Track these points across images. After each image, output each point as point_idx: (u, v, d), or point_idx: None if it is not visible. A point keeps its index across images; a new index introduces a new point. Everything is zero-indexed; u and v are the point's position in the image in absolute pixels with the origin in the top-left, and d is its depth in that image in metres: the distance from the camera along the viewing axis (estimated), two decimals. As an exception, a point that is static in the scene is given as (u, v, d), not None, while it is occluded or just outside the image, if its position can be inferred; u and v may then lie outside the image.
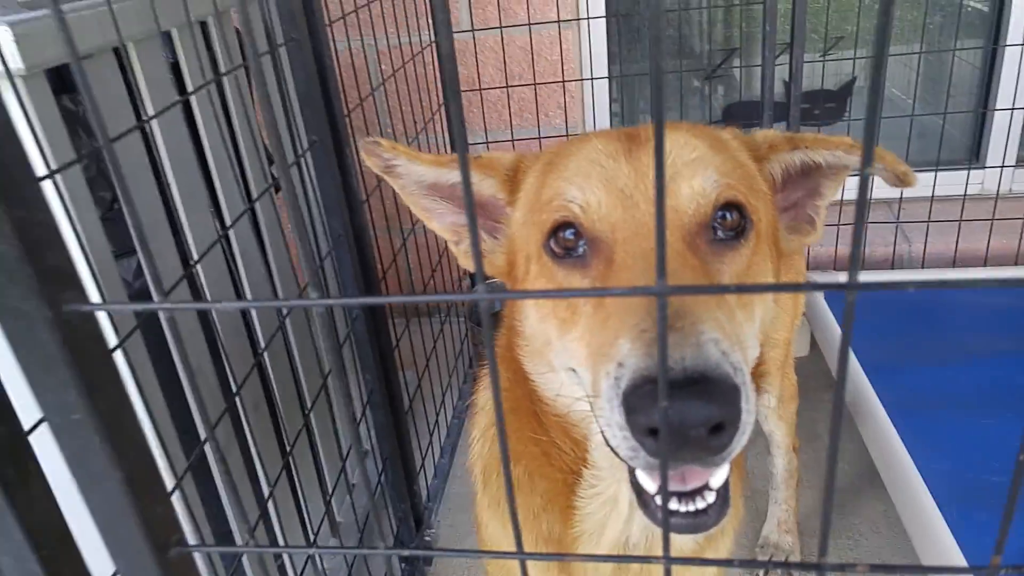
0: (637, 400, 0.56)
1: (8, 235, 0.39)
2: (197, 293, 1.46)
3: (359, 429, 2.23)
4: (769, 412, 1.69)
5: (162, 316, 0.40)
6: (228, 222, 1.49)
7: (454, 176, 0.87)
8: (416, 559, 2.05)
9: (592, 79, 2.64)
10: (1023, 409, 1.71)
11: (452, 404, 2.58)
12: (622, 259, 0.70)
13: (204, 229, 1.39)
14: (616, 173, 0.75)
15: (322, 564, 1.95)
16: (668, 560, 0.44)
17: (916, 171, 2.55)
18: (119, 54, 1.19)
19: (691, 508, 0.67)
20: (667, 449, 0.54)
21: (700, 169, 0.75)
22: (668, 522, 0.65)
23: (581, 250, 0.76)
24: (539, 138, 2.65)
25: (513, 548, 0.97)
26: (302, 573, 1.75)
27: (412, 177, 0.87)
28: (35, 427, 0.48)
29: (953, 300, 2.18)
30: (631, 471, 0.71)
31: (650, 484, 0.69)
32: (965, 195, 2.35)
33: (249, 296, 1.67)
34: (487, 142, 2.72)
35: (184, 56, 1.35)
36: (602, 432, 0.65)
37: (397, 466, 2.00)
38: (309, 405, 1.79)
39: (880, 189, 2.44)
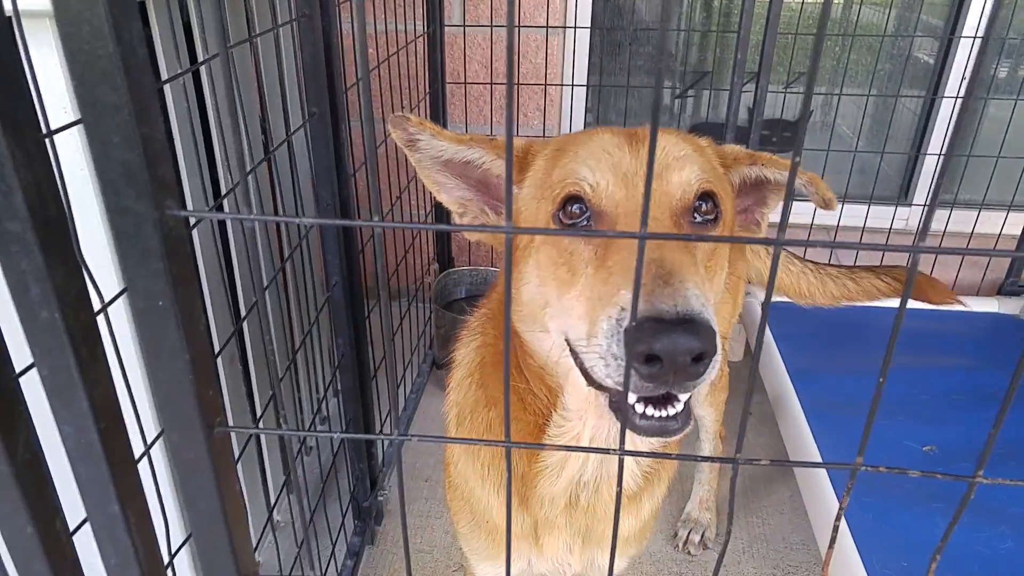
0: (640, 332, 0.69)
1: (136, 146, 0.44)
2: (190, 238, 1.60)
3: (328, 392, 2.38)
4: (702, 398, 1.90)
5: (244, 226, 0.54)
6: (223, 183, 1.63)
7: (469, 153, 0.98)
8: (367, 517, 2.21)
9: (572, 85, 2.83)
10: (915, 414, 1.96)
11: (411, 380, 2.74)
12: (622, 230, 0.86)
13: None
14: (621, 160, 0.89)
15: (271, 517, 2.10)
16: (623, 452, 0.62)
17: (853, 203, 2.84)
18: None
19: (664, 413, 0.80)
20: (653, 343, 0.68)
21: (687, 164, 0.91)
22: (632, 420, 0.81)
23: (586, 222, 0.89)
24: (517, 136, 2.82)
25: (481, 485, 1.13)
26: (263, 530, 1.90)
27: (431, 152, 0.97)
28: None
29: (873, 320, 2.43)
30: (610, 398, 0.86)
31: (638, 404, 0.82)
32: (891, 228, 2.61)
33: (235, 258, 1.81)
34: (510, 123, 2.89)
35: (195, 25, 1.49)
36: (588, 369, 0.80)
37: (359, 428, 2.15)
38: (289, 359, 1.93)
39: (821, 216, 2.69)
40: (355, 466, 2.21)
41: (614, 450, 0.59)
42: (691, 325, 0.69)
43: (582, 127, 2.94)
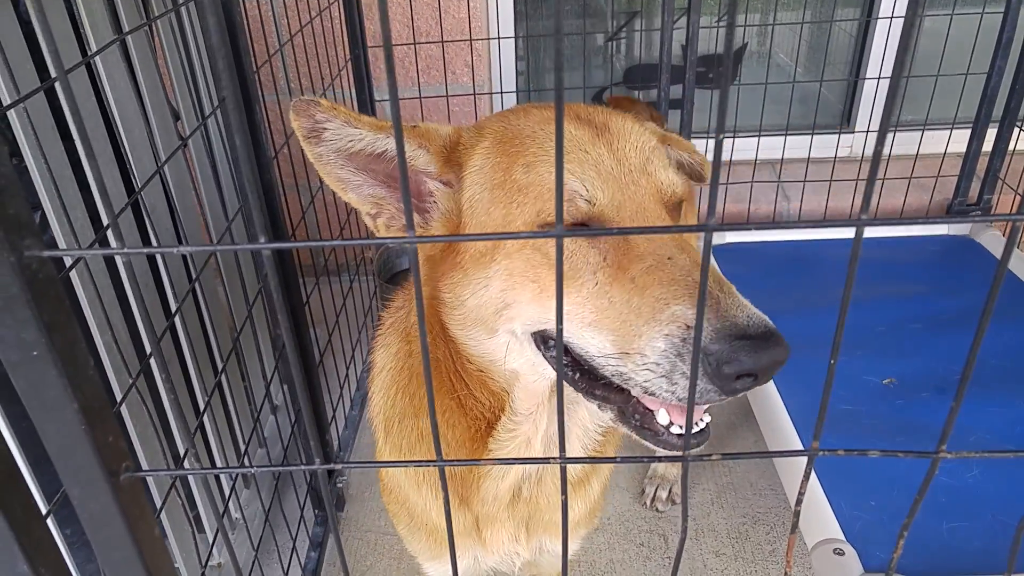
0: (735, 352, 0.68)
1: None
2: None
3: (271, 383, 2.28)
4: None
5: (119, 260, 0.46)
6: (136, 179, 1.49)
7: (385, 144, 0.85)
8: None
9: (499, 38, 2.70)
10: (873, 347, 1.94)
11: (361, 358, 2.65)
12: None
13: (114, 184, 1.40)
14: (600, 159, 0.83)
15: (242, 513, 2.02)
16: (564, 460, 0.54)
17: (795, 134, 2.75)
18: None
19: (697, 429, 0.83)
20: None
21: (662, 157, 0.87)
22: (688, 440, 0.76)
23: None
24: (447, 96, 2.70)
25: (416, 491, 1.06)
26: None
27: (338, 144, 0.84)
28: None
29: (825, 254, 2.40)
30: (622, 412, 0.85)
31: (664, 418, 0.82)
32: (836, 157, 2.57)
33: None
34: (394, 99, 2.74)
35: (86, 14, 1.34)
36: (625, 382, 0.78)
37: (310, 416, 2.06)
38: (222, 361, 1.83)
39: (765, 150, 2.63)
40: (310, 457, 2.14)
41: (555, 459, 0.54)
42: (775, 336, 0.70)
43: (513, 81, 2.82)
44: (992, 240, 2.34)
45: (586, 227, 0.82)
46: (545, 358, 0.87)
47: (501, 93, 2.80)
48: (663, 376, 0.74)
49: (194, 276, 1.70)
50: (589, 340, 0.80)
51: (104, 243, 1.36)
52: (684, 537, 0.58)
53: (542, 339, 0.86)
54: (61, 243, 1.24)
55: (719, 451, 2.21)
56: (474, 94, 2.72)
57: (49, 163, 1.19)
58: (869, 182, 0.43)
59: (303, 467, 0.58)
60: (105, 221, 1.34)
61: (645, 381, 0.75)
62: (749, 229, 0.46)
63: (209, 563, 1.93)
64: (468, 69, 2.72)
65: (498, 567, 1.18)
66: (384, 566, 2.00)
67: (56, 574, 0.55)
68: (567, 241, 0.80)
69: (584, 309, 0.79)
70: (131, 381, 1.26)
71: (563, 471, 0.56)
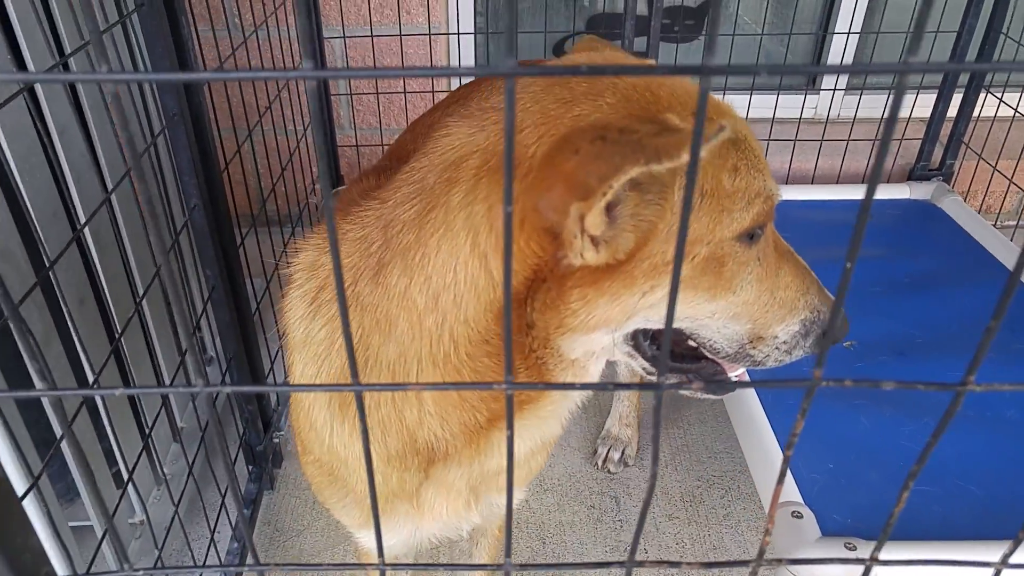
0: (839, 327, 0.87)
1: None
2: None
3: (200, 328, 2.13)
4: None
5: None
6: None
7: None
8: (263, 461, 2.01)
9: (456, -24, 2.54)
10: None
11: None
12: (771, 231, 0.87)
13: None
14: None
15: (162, 471, 1.88)
16: (511, 387, 0.44)
17: (760, 94, 2.67)
18: None
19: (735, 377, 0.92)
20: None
21: None
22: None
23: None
24: (400, 35, 2.54)
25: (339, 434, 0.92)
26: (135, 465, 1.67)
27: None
28: None
29: (787, 214, 2.34)
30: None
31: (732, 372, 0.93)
32: (800, 118, 2.50)
33: (71, 180, 1.52)
34: (344, 37, 2.57)
35: None
36: (738, 357, 0.87)
37: (243, 367, 1.93)
38: (140, 296, 1.67)
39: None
40: (243, 408, 2.00)
41: (498, 384, 0.43)
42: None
43: (471, 21, 2.67)
44: (953, 205, 2.31)
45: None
46: (638, 350, 0.85)
47: (459, 34, 2.65)
48: (786, 352, 0.88)
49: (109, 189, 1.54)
50: (724, 330, 0.84)
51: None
52: (653, 483, 0.49)
53: (643, 334, 0.85)
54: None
55: (675, 415, 2.15)
56: (429, 34, 2.56)
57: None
58: (883, 143, 0.33)
59: (217, 388, 0.45)
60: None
61: (766, 357, 0.87)
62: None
63: (129, 520, 1.80)
64: (424, 8, 2.56)
65: (442, 533, 1.06)
66: (321, 526, 1.90)
67: None
68: (734, 244, 0.78)
69: (734, 306, 0.82)
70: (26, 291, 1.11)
71: (509, 399, 0.45)
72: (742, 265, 0.80)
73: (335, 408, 0.91)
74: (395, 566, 0.49)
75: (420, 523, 0.99)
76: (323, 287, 0.90)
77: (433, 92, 2.66)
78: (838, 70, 0.33)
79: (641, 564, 0.51)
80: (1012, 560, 0.48)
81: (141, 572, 0.53)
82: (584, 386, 0.45)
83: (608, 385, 0.46)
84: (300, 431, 1.00)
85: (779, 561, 0.49)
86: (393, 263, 0.79)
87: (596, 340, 0.79)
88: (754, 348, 0.86)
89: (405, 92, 2.65)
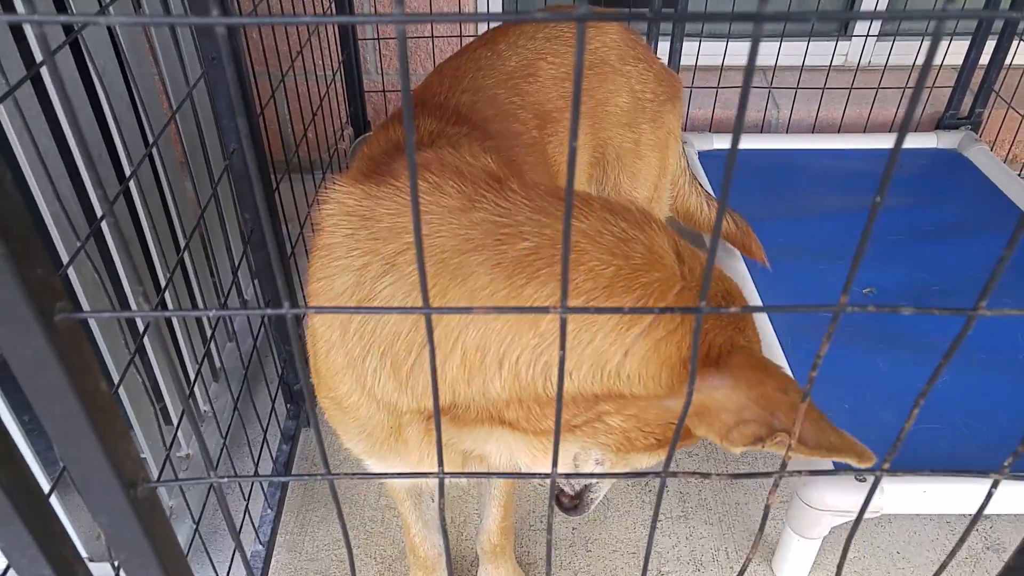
0: None
1: None
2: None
3: (240, 270, 2.21)
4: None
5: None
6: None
7: None
8: (300, 400, 2.11)
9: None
10: (852, 257, 1.92)
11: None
12: None
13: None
14: None
15: (211, 405, 1.98)
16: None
17: (791, 40, 2.63)
18: None
19: None
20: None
21: None
22: None
23: None
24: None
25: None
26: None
27: None
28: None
29: (812, 163, 2.35)
30: None
31: None
32: (831, 65, 2.49)
33: (113, 123, 1.57)
34: (373, -19, 2.58)
35: None
36: None
37: (279, 308, 2.00)
38: (184, 243, 1.74)
39: (759, 58, 2.53)
40: (280, 348, 2.09)
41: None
42: None
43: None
44: (980, 155, 2.31)
45: None
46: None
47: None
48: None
49: (151, 140, 1.59)
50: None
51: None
52: (650, 549, 0.54)
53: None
54: None
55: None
56: (458, -20, 2.56)
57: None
58: (916, 91, 0.37)
59: (267, 311, 0.50)
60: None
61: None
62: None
63: (176, 453, 1.90)
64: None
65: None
66: (355, 462, 1.99)
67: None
68: None
69: None
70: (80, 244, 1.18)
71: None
72: None
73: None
74: (455, 475, 0.55)
75: (407, 457, 1.02)
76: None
77: (461, 37, 2.66)
78: (880, 16, 0.36)
79: (674, 475, 0.57)
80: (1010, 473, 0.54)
81: (226, 479, 0.59)
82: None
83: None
84: (318, 370, 1.04)
85: (799, 473, 0.55)
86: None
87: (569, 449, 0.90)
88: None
89: (433, 36, 2.66)
